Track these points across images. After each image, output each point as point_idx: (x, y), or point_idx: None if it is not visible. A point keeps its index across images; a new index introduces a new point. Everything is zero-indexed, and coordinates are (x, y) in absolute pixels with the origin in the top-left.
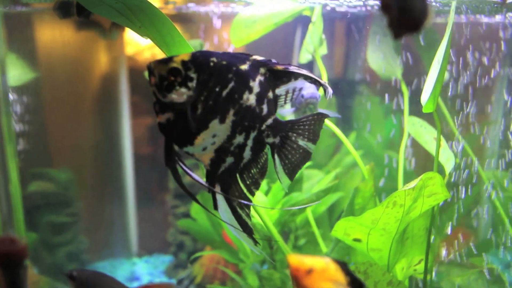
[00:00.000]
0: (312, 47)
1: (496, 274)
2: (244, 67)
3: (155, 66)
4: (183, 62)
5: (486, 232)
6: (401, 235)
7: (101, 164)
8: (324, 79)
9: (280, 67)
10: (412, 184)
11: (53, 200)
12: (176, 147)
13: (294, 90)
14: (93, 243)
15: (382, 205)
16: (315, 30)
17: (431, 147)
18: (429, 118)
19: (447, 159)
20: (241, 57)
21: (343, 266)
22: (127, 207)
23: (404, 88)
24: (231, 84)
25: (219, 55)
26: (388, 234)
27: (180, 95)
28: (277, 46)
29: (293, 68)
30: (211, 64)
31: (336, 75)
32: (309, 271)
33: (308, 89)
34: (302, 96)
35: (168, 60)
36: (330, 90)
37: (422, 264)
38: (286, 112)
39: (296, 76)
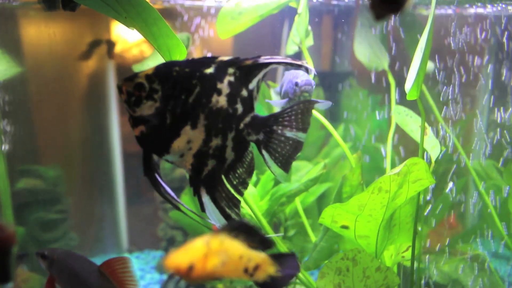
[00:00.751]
0: (298, 38)
1: (482, 261)
2: (209, 70)
3: (122, 84)
4: (147, 76)
5: (473, 221)
6: (388, 222)
7: (90, 161)
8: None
9: (249, 62)
10: (397, 169)
11: (42, 197)
12: (155, 157)
13: (263, 77)
14: (83, 239)
15: (368, 191)
16: (301, 21)
17: (417, 136)
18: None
19: (432, 146)
20: (206, 61)
21: (247, 228)
22: (117, 203)
23: (391, 79)
24: (197, 90)
25: (183, 63)
26: (375, 221)
27: (148, 108)
28: (265, 38)
29: (263, 60)
30: (174, 73)
31: (323, 68)
32: (190, 267)
33: (302, 76)
34: (297, 84)
35: (134, 76)
36: (311, 68)
37: (410, 251)
38: (279, 103)
39: (267, 65)
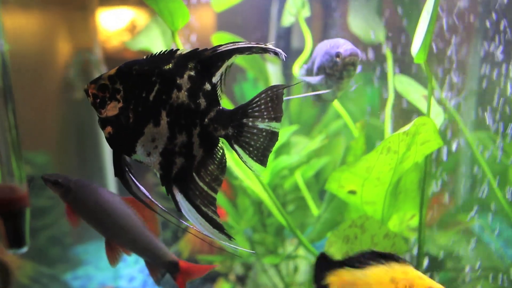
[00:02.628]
0: (295, 9)
1: (477, 234)
2: (168, 66)
3: (88, 87)
4: (110, 77)
5: (467, 193)
6: (394, 188)
7: (80, 147)
8: (309, 44)
9: (208, 53)
10: (406, 127)
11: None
12: (126, 157)
13: (226, 70)
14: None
15: (376, 151)
16: None
17: (419, 105)
18: None
19: (436, 114)
20: (165, 57)
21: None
22: (108, 187)
23: (387, 52)
24: (156, 87)
25: (143, 61)
26: (382, 185)
27: (112, 108)
28: (254, 12)
29: (224, 48)
30: (134, 72)
31: (314, 44)
32: None
33: (344, 45)
34: (338, 55)
35: (98, 78)
36: (281, 52)
37: (414, 220)
38: (314, 80)
39: (229, 54)
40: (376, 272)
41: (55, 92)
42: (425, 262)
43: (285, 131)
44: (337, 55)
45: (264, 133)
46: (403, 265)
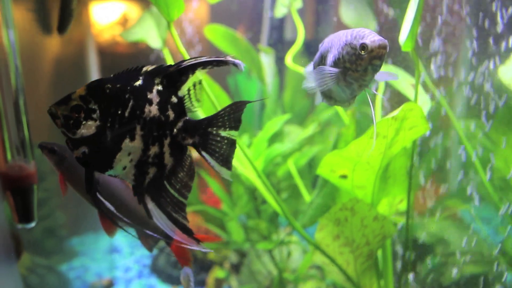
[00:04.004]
0: (287, 0)
1: (465, 221)
2: (138, 83)
3: (56, 109)
4: (82, 97)
5: (456, 182)
6: (384, 172)
7: None
8: (301, 34)
9: (172, 70)
10: (394, 113)
11: None
12: (97, 173)
13: (194, 85)
14: (70, 218)
15: (366, 135)
16: None
17: (408, 93)
18: None
19: (423, 102)
20: (133, 74)
21: None
22: None
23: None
24: (131, 103)
25: (111, 79)
26: (372, 169)
27: (88, 128)
28: (247, 4)
29: (187, 63)
30: (108, 91)
31: (307, 36)
32: None
33: (369, 35)
34: (364, 47)
35: (67, 100)
36: (240, 63)
37: (403, 204)
38: (330, 71)
39: (193, 69)
40: None
41: (44, 86)
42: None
43: (278, 120)
44: (363, 47)
45: (225, 141)
46: None
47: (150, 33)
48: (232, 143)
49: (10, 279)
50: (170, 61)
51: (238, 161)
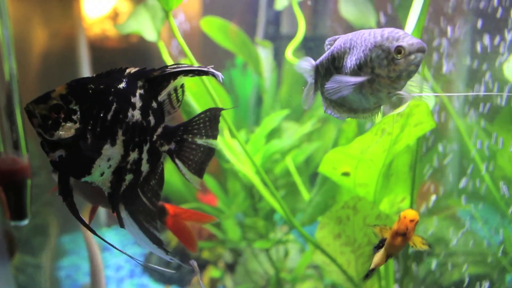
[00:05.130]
0: None
1: (465, 221)
2: (122, 85)
3: (34, 107)
4: (62, 96)
5: (456, 180)
6: (387, 169)
7: None
8: (302, 28)
9: (156, 73)
10: (400, 109)
11: None
12: (72, 179)
13: (175, 90)
14: (59, 215)
15: (371, 132)
16: None
17: (409, 89)
18: None
19: (427, 97)
20: (117, 76)
21: None
22: None
23: None
24: (114, 106)
25: (94, 79)
26: (375, 167)
27: (67, 130)
28: None
29: (170, 69)
30: (90, 91)
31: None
32: None
33: (406, 38)
34: (399, 51)
35: (46, 98)
36: (219, 75)
37: (405, 202)
38: (351, 82)
39: (175, 75)
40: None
41: (32, 81)
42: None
43: (276, 116)
44: (399, 50)
45: (202, 148)
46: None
47: (145, 26)
48: (209, 152)
49: (2, 279)
50: (166, 54)
51: (235, 157)
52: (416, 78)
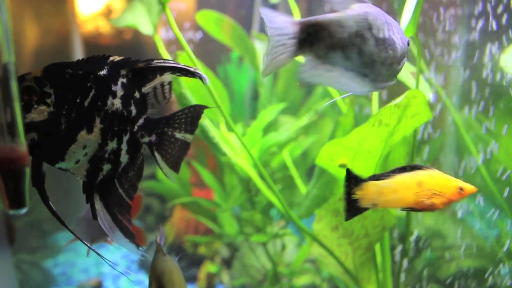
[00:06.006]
0: None
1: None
2: (103, 72)
3: None
4: (36, 79)
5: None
6: (384, 161)
7: None
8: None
9: (141, 65)
10: (398, 100)
11: None
12: (46, 165)
13: (162, 86)
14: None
15: (369, 124)
16: None
17: (408, 81)
18: None
19: (423, 89)
20: (99, 62)
21: None
22: None
23: None
24: (92, 92)
25: (74, 64)
26: (372, 158)
27: (40, 113)
28: None
29: (156, 63)
30: (67, 76)
31: None
32: None
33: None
34: (409, 43)
35: (20, 79)
36: (206, 77)
37: None
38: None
39: (162, 71)
40: (402, 179)
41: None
42: (412, 240)
43: (273, 109)
44: (408, 43)
45: (179, 143)
46: (428, 170)
47: (140, 19)
48: (184, 146)
49: (4, 268)
50: (162, 48)
51: (232, 150)
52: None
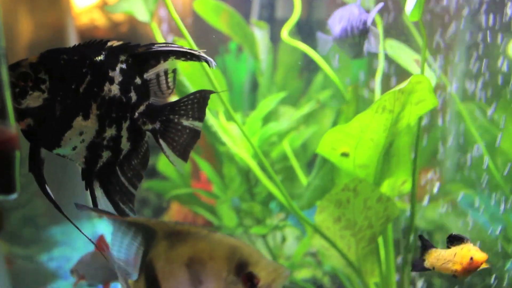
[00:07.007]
0: None
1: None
2: (100, 57)
3: None
4: (31, 65)
5: (455, 166)
6: (387, 151)
7: None
8: (298, 9)
9: (142, 49)
10: (402, 85)
11: None
12: (44, 151)
13: (166, 73)
14: (50, 205)
15: (372, 109)
16: None
17: (411, 68)
18: None
19: (428, 76)
20: (96, 47)
21: None
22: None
23: (377, 17)
24: (88, 78)
25: (70, 50)
26: (375, 147)
27: (35, 99)
28: None
29: (157, 47)
30: (62, 62)
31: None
32: None
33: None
34: (364, 22)
35: (16, 65)
36: (212, 60)
37: (406, 185)
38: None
39: (165, 55)
40: (454, 250)
41: None
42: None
43: (273, 98)
44: (363, 22)
45: (187, 130)
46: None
47: (137, 6)
48: (194, 135)
49: None
50: (159, 36)
51: (232, 140)
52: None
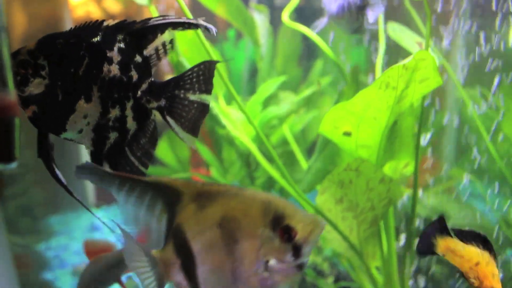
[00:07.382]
0: None
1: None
2: (96, 39)
3: None
4: (30, 52)
5: (456, 153)
6: (390, 131)
7: None
8: None
9: (138, 26)
10: (405, 60)
11: None
12: (52, 136)
13: (164, 45)
14: (47, 195)
15: (375, 86)
16: None
17: (413, 50)
18: None
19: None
20: (92, 28)
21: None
22: (81, 156)
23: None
24: (86, 61)
25: (66, 34)
26: (378, 126)
27: (36, 86)
28: None
29: (154, 21)
30: (59, 46)
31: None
32: None
33: None
34: None
35: (15, 54)
36: (212, 27)
37: (408, 168)
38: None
39: (162, 28)
40: (472, 251)
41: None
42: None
43: (273, 82)
44: None
45: (195, 105)
46: (490, 258)
47: None
48: (202, 108)
49: None
50: None
51: (232, 123)
52: None
